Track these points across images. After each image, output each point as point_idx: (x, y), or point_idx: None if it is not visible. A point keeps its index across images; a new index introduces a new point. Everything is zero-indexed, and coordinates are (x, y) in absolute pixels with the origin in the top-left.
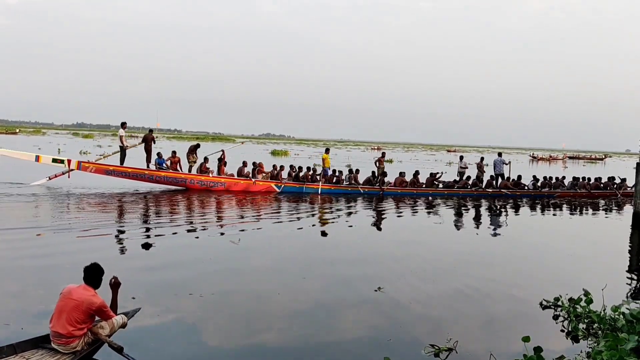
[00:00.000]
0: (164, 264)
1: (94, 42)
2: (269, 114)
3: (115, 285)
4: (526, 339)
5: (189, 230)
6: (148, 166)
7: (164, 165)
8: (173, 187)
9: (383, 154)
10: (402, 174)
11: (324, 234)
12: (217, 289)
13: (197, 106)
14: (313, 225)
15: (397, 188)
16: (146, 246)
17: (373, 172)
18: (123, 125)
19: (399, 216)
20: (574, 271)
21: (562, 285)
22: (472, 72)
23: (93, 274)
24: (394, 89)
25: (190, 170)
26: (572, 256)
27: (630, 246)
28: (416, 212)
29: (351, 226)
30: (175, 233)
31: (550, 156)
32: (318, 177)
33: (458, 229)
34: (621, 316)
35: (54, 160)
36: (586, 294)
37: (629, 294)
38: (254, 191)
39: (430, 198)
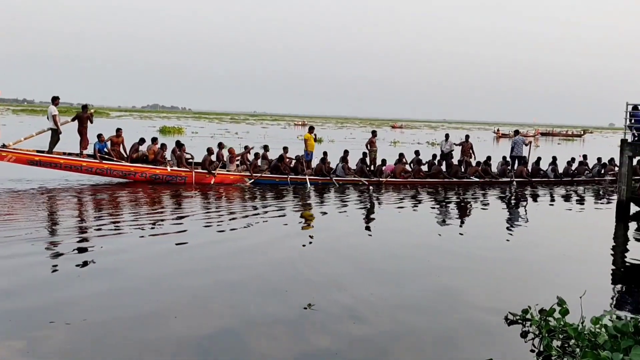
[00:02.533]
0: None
1: None
2: (156, 81)
3: None
4: None
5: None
6: (82, 153)
7: (105, 150)
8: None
9: (374, 133)
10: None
11: (246, 238)
12: (91, 315)
13: (56, 67)
14: (233, 229)
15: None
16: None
17: (364, 155)
18: (55, 100)
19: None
20: (549, 274)
21: (533, 291)
22: (419, 28)
23: None
24: (321, 49)
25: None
26: (550, 255)
27: (614, 242)
28: (364, 204)
29: (286, 224)
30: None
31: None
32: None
33: (422, 225)
34: (603, 330)
35: None
36: (560, 303)
37: (612, 303)
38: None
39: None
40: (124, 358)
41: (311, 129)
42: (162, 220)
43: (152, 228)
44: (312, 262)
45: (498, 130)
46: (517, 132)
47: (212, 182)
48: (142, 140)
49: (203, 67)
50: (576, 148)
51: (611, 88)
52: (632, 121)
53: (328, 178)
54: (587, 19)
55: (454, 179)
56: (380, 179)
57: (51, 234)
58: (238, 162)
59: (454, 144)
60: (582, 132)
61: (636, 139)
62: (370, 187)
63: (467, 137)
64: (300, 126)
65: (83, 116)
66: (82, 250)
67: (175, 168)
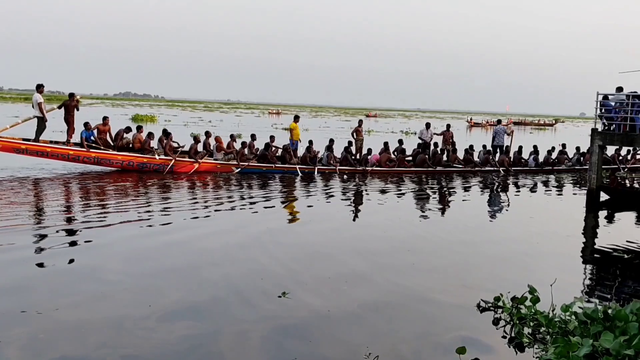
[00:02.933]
0: None
1: None
2: (128, 68)
3: None
4: (461, 351)
5: None
6: (69, 141)
7: (92, 138)
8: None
9: (360, 122)
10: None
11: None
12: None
13: (26, 54)
14: (208, 215)
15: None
16: None
17: (349, 144)
18: (39, 88)
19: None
20: (521, 263)
21: (506, 279)
22: (391, 17)
23: None
24: (296, 38)
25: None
26: (519, 245)
27: (584, 230)
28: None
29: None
30: None
31: (487, 121)
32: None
33: (396, 215)
34: (573, 317)
35: None
36: (531, 291)
37: (582, 290)
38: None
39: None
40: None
41: (296, 118)
42: (149, 210)
43: (140, 219)
44: (284, 252)
45: (471, 119)
46: (499, 122)
47: (191, 171)
48: (128, 129)
49: (176, 54)
50: (548, 137)
51: (582, 79)
52: (603, 111)
53: (313, 167)
54: (556, 11)
55: (438, 168)
56: (366, 168)
57: (35, 223)
58: (224, 151)
59: (435, 133)
60: (553, 122)
61: (606, 128)
62: (356, 176)
63: (448, 126)
64: (275, 115)
65: (70, 104)
66: (68, 236)
67: (163, 157)
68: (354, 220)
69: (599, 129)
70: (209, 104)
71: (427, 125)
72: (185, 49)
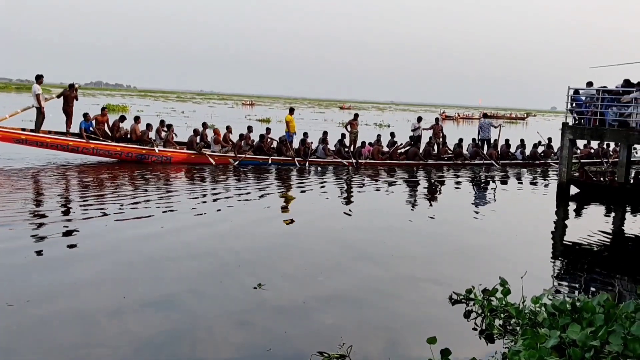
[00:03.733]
0: None
1: None
2: (100, 58)
3: None
4: (432, 341)
5: None
6: (68, 132)
7: (90, 129)
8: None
9: (356, 116)
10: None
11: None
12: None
13: None
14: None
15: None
16: None
17: (342, 136)
18: (38, 79)
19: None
20: (493, 256)
21: (478, 272)
22: (365, 10)
23: None
24: (271, 29)
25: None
26: (491, 238)
27: (555, 223)
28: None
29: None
30: None
31: (458, 114)
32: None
33: (364, 210)
34: (542, 308)
35: None
36: (502, 283)
37: (553, 282)
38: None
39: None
40: None
41: (292, 111)
42: (147, 200)
43: (135, 208)
44: (260, 247)
45: (443, 112)
46: (485, 115)
47: (213, 163)
48: (122, 118)
49: (149, 44)
50: (520, 131)
51: (554, 73)
52: (574, 105)
53: (309, 159)
54: (530, 6)
55: (429, 161)
56: (360, 161)
57: (31, 215)
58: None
59: (424, 128)
60: (525, 115)
61: (576, 122)
62: (350, 168)
63: (437, 119)
64: (249, 106)
65: (69, 95)
66: (65, 231)
67: (162, 148)
68: (341, 211)
69: (570, 123)
70: (181, 95)
71: (419, 119)
72: (157, 39)
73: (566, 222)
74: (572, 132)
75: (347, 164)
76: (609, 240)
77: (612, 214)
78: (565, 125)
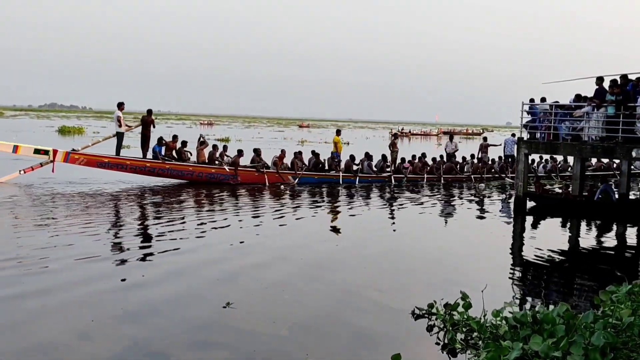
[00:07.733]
0: None
1: None
2: (54, 79)
3: None
4: (396, 357)
5: None
6: (145, 155)
7: (162, 153)
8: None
9: (395, 136)
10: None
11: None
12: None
13: None
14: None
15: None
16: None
17: (384, 155)
18: (120, 106)
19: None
20: (456, 270)
21: (440, 287)
22: (323, 28)
23: None
24: (229, 46)
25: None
26: (451, 253)
27: (513, 236)
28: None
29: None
30: None
31: (410, 131)
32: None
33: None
34: (503, 321)
35: (36, 152)
36: (464, 297)
37: (513, 295)
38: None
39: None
40: None
41: (338, 132)
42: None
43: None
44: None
45: (402, 129)
46: (513, 135)
47: (266, 183)
48: (184, 143)
49: (104, 63)
50: (476, 146)
51: (508, 90)
52: (530, 119)
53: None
54: (485, 24)
55: (464, 175)
56: (402, 177)
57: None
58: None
59: (457, 144)
60: (481, 131)
61: (529, 137)
62: (393, 184)
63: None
64: (207, 125)
65: (148, 119)
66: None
67: (230, 168)
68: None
69: (525, 138)
70: (138, 115)
71: (451, 138)
72: (112, 58)
73: (523, 234)
74: (527, 146)
75: (396, 179)
76: (565, 251)
77: (568, 226)
78: (520, 139)
